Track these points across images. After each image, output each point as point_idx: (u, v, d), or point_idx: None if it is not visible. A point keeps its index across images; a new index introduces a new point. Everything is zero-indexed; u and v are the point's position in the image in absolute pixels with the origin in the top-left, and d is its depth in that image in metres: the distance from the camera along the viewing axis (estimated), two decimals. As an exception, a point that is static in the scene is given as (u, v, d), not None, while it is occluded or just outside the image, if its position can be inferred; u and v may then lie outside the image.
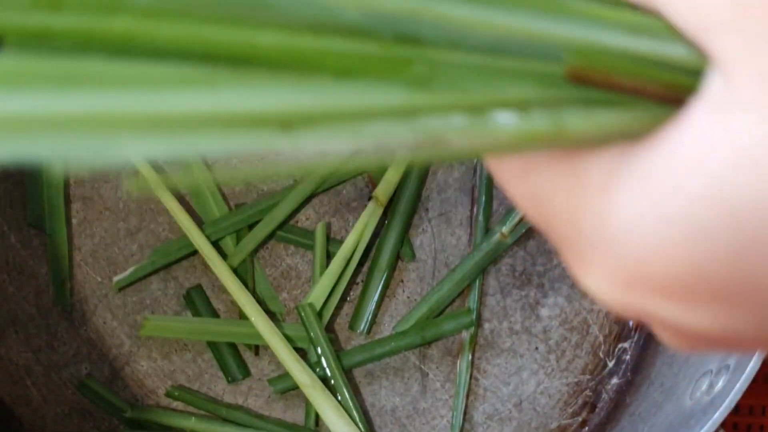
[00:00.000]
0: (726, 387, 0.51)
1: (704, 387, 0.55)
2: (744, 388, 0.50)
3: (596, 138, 0.20)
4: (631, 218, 0.19)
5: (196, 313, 0.70)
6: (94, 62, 0.18)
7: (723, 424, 0.50)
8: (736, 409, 0.51)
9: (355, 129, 0.19)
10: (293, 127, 0.19)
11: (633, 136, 0.20)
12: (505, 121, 0.19)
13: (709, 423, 0.50)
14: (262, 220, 0.71)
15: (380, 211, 0.71)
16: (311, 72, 0.19)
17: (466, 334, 0.70)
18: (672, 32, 0.20)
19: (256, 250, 0.71)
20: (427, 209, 0.73)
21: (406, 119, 0.19)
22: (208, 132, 0.18)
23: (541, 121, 0.20)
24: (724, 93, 0.18)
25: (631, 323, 0.71)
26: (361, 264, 0.71)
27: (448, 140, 0.19)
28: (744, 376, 0.50)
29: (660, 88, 0.20)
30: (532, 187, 0.22)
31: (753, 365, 0.50)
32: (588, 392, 0.71)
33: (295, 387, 0.68)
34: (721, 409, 0.50)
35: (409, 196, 0.72)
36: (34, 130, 0.17)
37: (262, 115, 0.18)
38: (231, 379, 0.70)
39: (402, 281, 0.72)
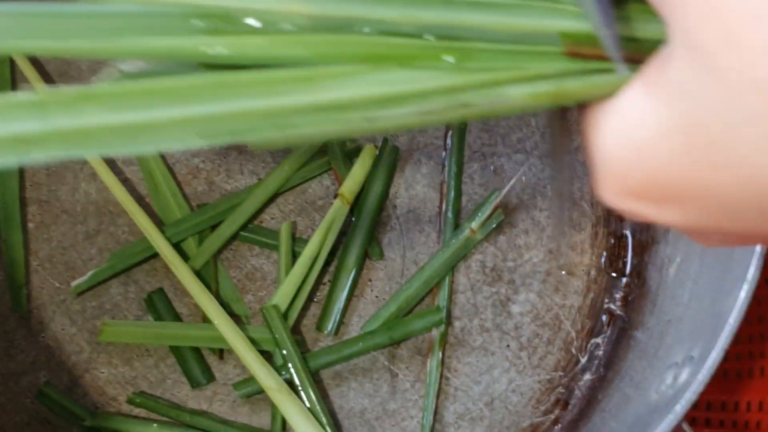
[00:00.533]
0: (688, 380, 0.50)
1: (669, 380, 0.54)
2: (706, 380, 0.48)
3: (587, 95, 0.28)
4: (608, 147, 0.27)
5: (158, 318, 0.68)
6: (246, 73, 0.28)
7: (684, 418, 0.49)
8: (696, 405, 0.50)
9: (418, 104, 0.28)
10: (373, 108, 0.28)
11: (610, 92, 0.27)
12: (519, 91, 0.28)
13: (670, 416, 0.48)
14: (225, 221, 0.69)
15: (347, 209, 0.69)
16: (385, 63, 0.28)
17: (436, 333, 0.69)
18: (645, 11, 0.27)
19: (219, 252, 0.70)
20: (395, 206, 0.71)
21: (449, 94, 0.28)
22: (313, 117, 0.28)
23: (549, 86, 0.28)
24: (652, 66, 0.26)
25: (604, 318, 0.69)
26: (327, 263, 0.69)
27: (479, 105, 0.28)
28: (705, 367, 0.49)
29: (629, 54, 0.27)
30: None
31: (715, 356, 0.49)
32: (560, 389, 0.69)
33: (261, 391, 0.66)
34: (683, 401, 0.48)
35: (376, 193, 0.70)
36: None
37: (352, 102, 0.28)
38: (195, 385, 0.68)
39: (370, 280, 0.70)
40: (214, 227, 0.70)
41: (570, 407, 0.69)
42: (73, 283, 0.68)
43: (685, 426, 0.53)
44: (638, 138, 0.26)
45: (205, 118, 0.28)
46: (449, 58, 0.28)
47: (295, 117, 0.28)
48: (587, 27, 0.28)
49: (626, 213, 0.28)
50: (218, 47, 0.28)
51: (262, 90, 0.28)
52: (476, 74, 0.28)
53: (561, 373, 0.69)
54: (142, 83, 0.28)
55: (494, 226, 0.70)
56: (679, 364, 0.53)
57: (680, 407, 0.49)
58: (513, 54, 0.28)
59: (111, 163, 0.70)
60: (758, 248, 0.50)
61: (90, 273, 0.68)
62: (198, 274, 0.68)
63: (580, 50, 0.28)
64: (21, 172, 0.70)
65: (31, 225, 0.69)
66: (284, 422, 0.67)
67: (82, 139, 0.27)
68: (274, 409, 0.66)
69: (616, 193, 0.28)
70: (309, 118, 0.28)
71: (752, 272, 0.49)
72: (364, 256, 0.70)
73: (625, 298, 0.69)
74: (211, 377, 0.68)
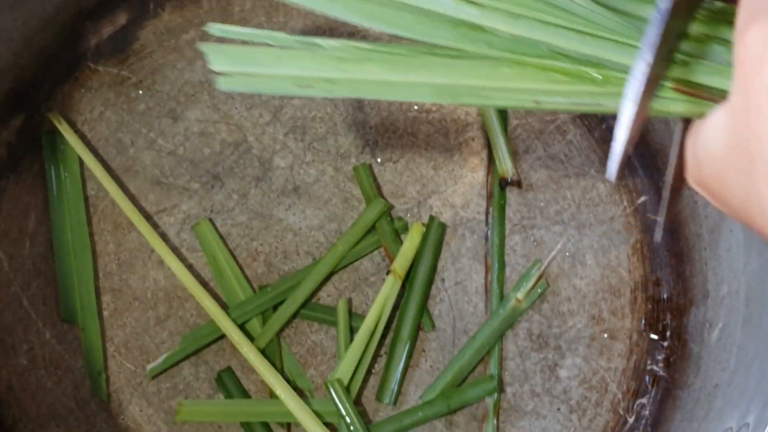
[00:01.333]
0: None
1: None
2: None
3: (687, 114, 0.41)
4: (696, 149, 0.38)
5: (228, 396, 0.72)
6: (463, 61, 0.46)
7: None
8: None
9: (571, 98, 0.44)
10: (542, 95, 0.44)
11: (702, 114, 0.40)
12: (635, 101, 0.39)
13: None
14: (286, 300, 0.74)
15: (398, 284, 0.74)
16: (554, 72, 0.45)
17: (489, 400, 0.73)
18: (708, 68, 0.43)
19: (281, 330, 0.74)
20: (443, 279, 0.75)
21: (592, 96, 0.44)
22: (502, 93, 0.45)
23: (660, 105, 0.42)
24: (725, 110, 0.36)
25: (647, 378, 0.74)
26: (383, 336, 0.73)
27: (610, 107, 0.43)
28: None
29: (715, 97, 0.42)
30: None
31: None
32: (612, 450, 0.73)
33: (328, 461, 0.70)
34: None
35: (426, 268, 0.75)
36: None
37: (528, 89, 0.45)
38: (265, 457, 0.72)
39: (424, 351, 0.74)
40: (275, 307, 0.74)
41: (623, 467, 0.73)
42: (148, 367, 0.72)
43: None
44: (712, 148, 0.36)
45: (436, 84, 0.45)
46: (597, 75, 0.44)
47: (490, 92, 0.44)
48: (686, 75, 0.42)
49: (700, 193, 0.40)
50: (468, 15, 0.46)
51: (473, 72, 0.45)
52: (611, 88, 0.44)
53: (611, 434, 0.73)
54: (402, 54, 0.46)
55: (538, 294, 0.74)
56: (734, 430, 0.57)
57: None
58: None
59: (176, 251, 0.75)
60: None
61: (163, 356, 0.72)
62: (263, 352, 0.72)
63: (682, 88, 0.42)
64: (94, 263, 0.74)
65: (105, 313, 0.74)
66: (352, 490, 0.71)
67: (361, 85, 0.45)
68: (341, 478, 0.71)
69: (692, 179, 0.40)
70: (499, 94, 0.45)
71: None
72: (417, 327, 0.74)
73: (666, 360, 0.74)
74: (280, 450, 0.72)
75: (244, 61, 0.45)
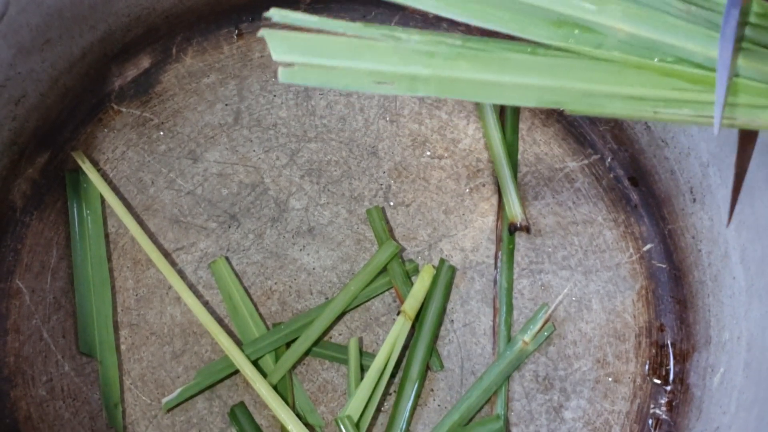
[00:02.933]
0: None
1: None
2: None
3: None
4: None
5: (241, 430, 0.74)
6: (572, 60, 0.42)
7: None
8: None
9: (693, 108, 0.41)
10: (660, 105, 0.41)
11: None
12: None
13: None
14: (299, 338, 0.76)
15: (408, 325, 0.75)
16: (674, 78, 0.41)
17: (496, 439, 0.74)
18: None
19: (294, 367, 0.76)
20: (452, 321, 0.77)
21: (695, 106, 0.41)
22: (616, 102, 0.41)
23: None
24: None
25: (650, 422, 0.75)
26: (393, 375, 0.75)
27: (739, 120, 0.41)
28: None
29: None
30: None
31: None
32: (615, 491, 0.75)
33: (337, 497, 0.72)
34: None
35: (435, 309, 0.77)
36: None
37: (648, 97, 0.41)
38: (276, 492, 0.73)
39: (432, 390, 0.76)
40: (288, 344, 0.76)
41: (625, 507, 0.74)
42: (164, 400, 0.74)
43: None
44: None
45: (540, 87, 0.41)
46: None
47: (602, 99, 0.40)
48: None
49: None
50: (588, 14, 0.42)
51: (583, 75, 0.41)
52: (745, 98, 0.41)
53: (614, 475, 0.75)
54: (499, 50, 0.41)
55: (545, 338, 0.76)
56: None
57: None
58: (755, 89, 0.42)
59: (193, 288, 0.77)
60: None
61: (178, 390, 0.74)
62: (275, 388, 0.74)
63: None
64: (113, 298, 0.76)
65: (123, 347, 0.76)
66: None
67: (451, 84, 0.41)
68: None
69: None
70: (612, 101, 0.41)
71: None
72: (426, 367, 0.76)
73: (669, 404, 0.75)
74: (290, 485, 0.74)
75: (312, 51, 0.41)
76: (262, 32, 0.42)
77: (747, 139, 0.47)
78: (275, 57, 0.41)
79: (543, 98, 0.41)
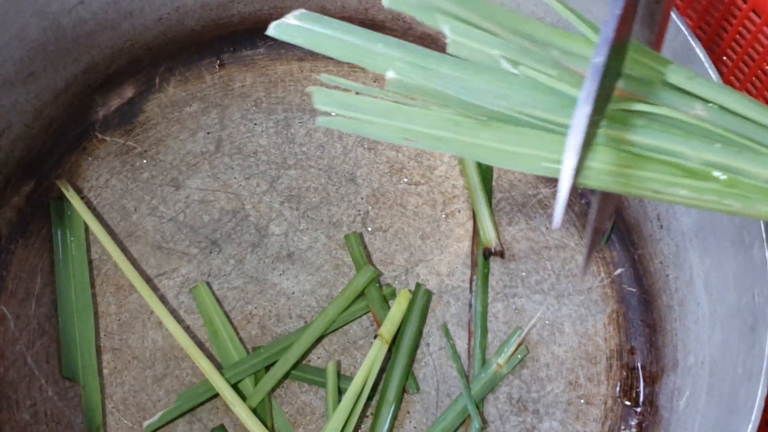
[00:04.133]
0: None
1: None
2: None
3: None
4: None
5: (221, 452, 0.75)
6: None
7: None
8: None
9: (694, 195, 0.47)
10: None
11: None
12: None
13: None
14: (278, 362, 0.77)
15: (385, 348, 0.77)
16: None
17: (470, 461, 0.76)
18: None
19: (273, 389, 0.77)
20: (428, 344, 0.79)
21: (721, 195, 0.47)
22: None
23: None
24: None
25: (621, 443, 0.77)
26: (370, 398, 0.77)
27: (734, 207, 0.47)
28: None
29: None
30: None
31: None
32: None
33: None
34: None
35: (412, 333, 0.78)
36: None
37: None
38: None
39: (408, 412, 0.78)
40: (267, 367, 0.78)
41: None
42: (145, 424, 0.76)
43: None
44: None
45: (548, 159, 0.46)
46: (722, 176, 0.46)
47: (608, 176, 0.46)
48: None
49: None
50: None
51: (594, 155, 0.46)
52: (739, 190, 0.46)
53: (584, 495, 0.77)
54: (521, 125, 0.47)
55: (518, 360, 0.78)
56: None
57: None
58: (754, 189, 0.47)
59: (175, 313, 0.79)
60: (760, 391, 0.58)
61: (159, 414, 0.76)
62: (254, 411, 0.76)
63: None
64: (96, 323, 0.78)
65: (105, 371, 0.77)
66: None
67: (472, 149, 0.47)
68: None
69: None
70: (617, 179, 0.46)
71: (755, 414, 0.57)
72: (402, 390, 0.78)
73: (639, 425, 0.77)
74: (269, 506, 0.75)
75: (350, 106, 0.47)
76: (310, 89, 0.48)
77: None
78: (317, 105, 0.48)
79: (550, 169, 0.46)
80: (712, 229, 0.67)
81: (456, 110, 0.48)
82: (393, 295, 0.80)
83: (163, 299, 0.79)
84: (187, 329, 0.78)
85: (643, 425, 0.77)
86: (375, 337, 0.78)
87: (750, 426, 0.57)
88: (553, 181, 0.82)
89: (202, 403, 0.77)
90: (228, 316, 0.79)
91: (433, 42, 0.84)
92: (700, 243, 0.69)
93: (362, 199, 0.82)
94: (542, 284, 0.80)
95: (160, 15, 0.81)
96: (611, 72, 0.43)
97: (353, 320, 0.80)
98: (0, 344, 0.77)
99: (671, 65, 0.49)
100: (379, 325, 0.78)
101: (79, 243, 0.79)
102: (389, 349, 0.78)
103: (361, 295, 0.80)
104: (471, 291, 0.80)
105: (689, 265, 0.72)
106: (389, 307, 0.79)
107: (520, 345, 0.78)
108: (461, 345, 0.79)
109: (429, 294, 0.80)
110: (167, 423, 0.76)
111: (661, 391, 0.76)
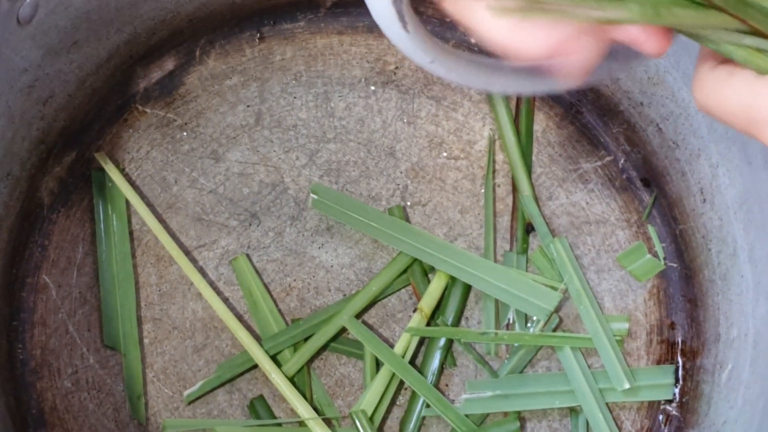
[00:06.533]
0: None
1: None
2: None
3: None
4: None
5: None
6: None
7: None
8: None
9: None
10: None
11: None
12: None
13: None
14: (316, 334, 0.77)
15: (424, 322, 0.77)
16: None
17: (509, 434, 0.76)
18: None
19: (311, 361, 0.78)
20: (467, 318, 0.79)
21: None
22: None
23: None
24: None
25: (660, 417, 0.77)
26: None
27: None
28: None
29: None
30: None
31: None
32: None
33: (353, 488, 0.74)
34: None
35: (452, 309, 0.78)
36: None
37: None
38: (293, 483, 0.75)
39: (447, 386, 0.78)
40: (306, 339, 0.78)
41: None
42: (185, 393, 0.76)
43: None
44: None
45: None
46: None
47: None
48: None
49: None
50: None
51: None
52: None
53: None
54: None
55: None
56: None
57: None
58: None
59: (214, 284, 0.79)
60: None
61: (200, 383, 0.76)
62: (293, 381, 0.76)
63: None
64: (137, 293, 0.78)
65: (146, 341, 0.78)
66: None
67: None
68: (365, 505, 0.74)
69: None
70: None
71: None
72: (442, 365, 0.78)
73: (680, 400, 0.77)
74: (307, 476, 0.76)
75: None
76: None
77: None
78: None
79: None
80: (758, 199, 0.66)
81: None
82: (432, 269, 0.80)
83: (202, 271, 0.79)
84: (226, 301, 0.79)
85: (684, 400, 0.77)
86: (414, 310, 0.78)
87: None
88: (592, 156, 0.82)
89: (241, 374, 0.77)
90: (267, 288, 0.79)
91: None
92: (744, 215, 0.69)
93: (401, 173, 0.82)
94: (582, 259, 0.80)
95: (201, -12, 0.81)
96: None
97: (392, 293, 0.80)
98: (42, 313, 0.78)
99: None
100: (419, 299, 0.78)
101: (120, 214, 0.79)
102: (428, 323, 0.78)
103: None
104: (510, 266, 0.80)
105: (733, 238, 0.71)
106: (429, 281, 0.79)
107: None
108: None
109: (468, 268, 0.80)
110: (207, 393, 0.77)
111: (702, 365, 0.76)
